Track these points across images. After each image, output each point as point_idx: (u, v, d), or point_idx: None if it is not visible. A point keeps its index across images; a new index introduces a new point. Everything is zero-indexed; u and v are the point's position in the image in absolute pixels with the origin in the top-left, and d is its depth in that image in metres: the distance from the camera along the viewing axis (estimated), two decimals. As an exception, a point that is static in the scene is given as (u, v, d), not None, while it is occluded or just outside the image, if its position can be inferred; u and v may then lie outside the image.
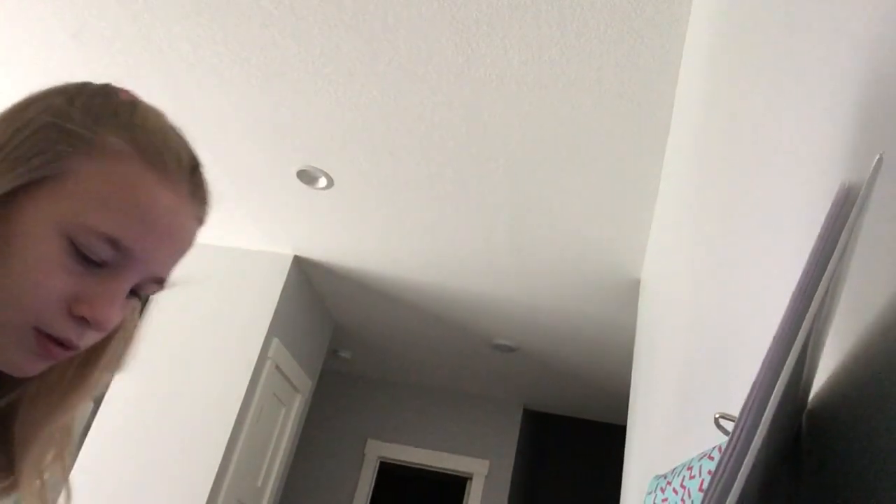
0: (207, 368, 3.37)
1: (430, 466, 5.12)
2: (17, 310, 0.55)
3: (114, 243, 0.57)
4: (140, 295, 0.64)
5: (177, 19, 2.18)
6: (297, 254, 3.63)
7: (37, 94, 0.60)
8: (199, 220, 0.67)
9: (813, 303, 0.38)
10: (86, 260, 0.57)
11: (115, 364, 0.68)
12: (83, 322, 0.57)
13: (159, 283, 0.64)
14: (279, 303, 3.53)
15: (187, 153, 0.65)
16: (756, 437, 0.36)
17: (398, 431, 5.24)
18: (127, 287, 0.60)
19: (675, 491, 0.71)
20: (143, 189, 0.59)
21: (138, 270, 0.60)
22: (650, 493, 0.83)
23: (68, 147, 0.57)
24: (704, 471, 0.64)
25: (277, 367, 3.62)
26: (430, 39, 2.08)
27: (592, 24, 1.91)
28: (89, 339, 0.59)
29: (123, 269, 0.59)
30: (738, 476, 0.36)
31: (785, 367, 0.37)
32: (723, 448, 0.52)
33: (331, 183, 2.91)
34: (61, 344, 0.57)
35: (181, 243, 0.64)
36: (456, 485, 5.50)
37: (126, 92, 0.65)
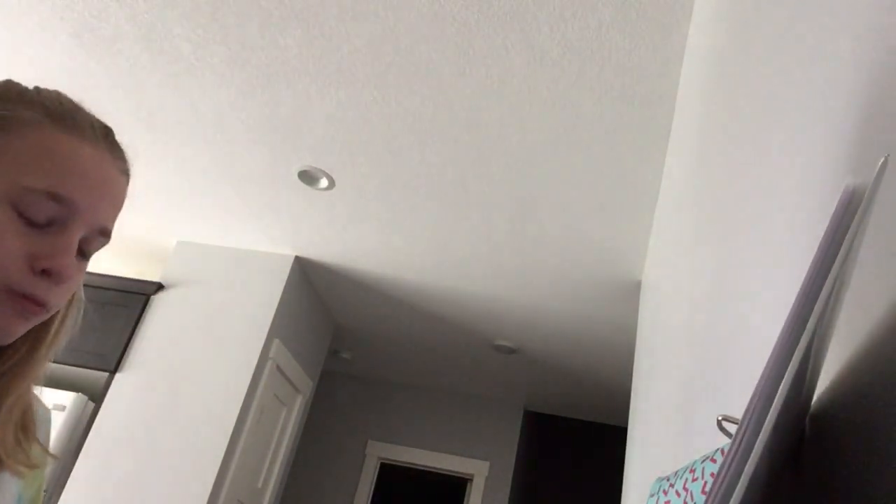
0: (208, 369, 3.37)
1: (431, 467, 5.12)
2: None
3: (55, 197, 0.63)
4: (88, 251, 0.69)
5: (177, 19, 2.18)
6: (299, 254, 3.63)
7: None
8: (125, 174, 0.73)
9: (816, 305, 0.38)
10: (34, 220, 0.63)
11: (66, 326, 0.74)
12: (47, 276, 0.63)
13: (105, 234, 0.70)
14: (280, 303, 3.53)
15: (97, 120, 0.71)
16: (759, 440, 0.36)
17: (399, 432, 5.24)
18: (76, 238, 0.66)
19: (677, 493, 0.71)
20: (63, 146, 0.65)
21: (82, 221, 0.66)
22: (653, 496, 0.83)
23: None
24: (707, 473, 0.63)
25: (278, 368, 3.61)
26: (431, 40, 2.08)
27: (594, 24, 1.91)
28: (55, 296, 0.65)
29: (69, 222, 0.65)
30: (741, 479, 0.36)
31: (788, 371, 0.37)
32: (725, 450, 0.52)
33: (332, 184, 2.91)
34: (35, 302, 0.63)
35: (112, 191, 0.69)
36: (456, 486, 5.50)
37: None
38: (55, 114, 0.67)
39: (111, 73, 2.47)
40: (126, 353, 3.39)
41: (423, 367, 4.99)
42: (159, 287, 3.56)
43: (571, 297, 3.49)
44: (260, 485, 3.64)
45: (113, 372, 3.35)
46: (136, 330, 3.46)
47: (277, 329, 3.55)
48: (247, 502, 3.46)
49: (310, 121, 2.55)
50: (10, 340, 0.65)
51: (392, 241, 3.31)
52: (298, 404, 3.99)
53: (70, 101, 0.70)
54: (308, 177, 2.90)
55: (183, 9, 2.13)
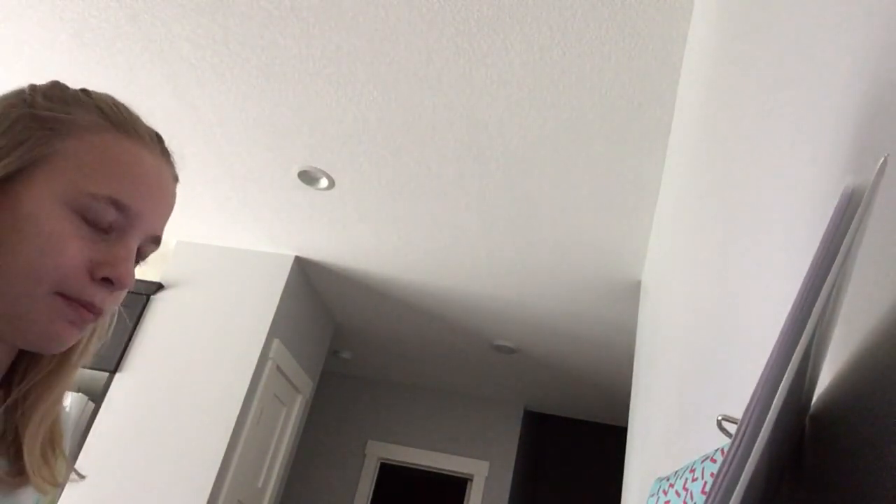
0: (208, 369, 3.37)
1: (431, 467, 5.12)
2: (42, 283, 0.59)
3: (116, 204, 0.62)
4: (141, 257, 0.69)
5: (177, 19, 2.18)
6: (299, 254, 3.63)
7: None
8: (176, 180, 0.73)
9: (816, 305, 0.38)
10: (95, 227, 0.62)
11: (99, 335, 0.72)
12: (106, 284, 0.63)
13: (156, 241, 0.70)
14: (280, 303, 3.53)
15: (150, 127, 0.71)
16: (759, 440, 0.36)
17: (399, 432, 5.24)
18: (135, 246, 0.66)
19: (677, 493, 0.71)
20: (125, 153, 0.65)
21: (140, 229, 0.66)
22: (653, 496, 0.83)
23: (47, 130, 0.62)
24: (707, 473, 0.63)
25: (278, 368, 3.62)
26: (431, 40, 2.08)
27: (594, 25, 1.91)
28: (110, 302, 0.65)
29: (128, 229, 0.64)
30: (741, 479, 0.36)
31: (788, 370, 0.37)
32: (725, 450, 0.52)
33: (332, 183, 2.91)
34: (90, 309, 0.62)
35: (168, 199, 0.69)
36: (456, 486, 5.50)
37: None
38: (115, 118, 0.66)
39: (111, 73, 2.47)
40: (126, 353, 3.39)
41: (423, 367, 4.99)
42: (159, 287, 3.56)
43: (571, 297, 3.49)
44: (260, 485, 3.64)
45: (113, 372, 3.35)
46: (136, 330, 3.46)
47: (277, 329, 3.55)
48: (247, 502, 3.47)
49: (310, 121, 2.55)
50: (64, 349, 0.63)
51: (392, 241, 3.31)
52: (298, 404, 3.99)
53: (125, 106, 0.69)
54: (308, 177, 2.90)
55: (183, 9, 2.13)
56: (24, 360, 0.68)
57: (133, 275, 0.65)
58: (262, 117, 2.58)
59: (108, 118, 0.65)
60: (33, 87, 0.66)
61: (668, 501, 0.74)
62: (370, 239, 3.33)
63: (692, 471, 0.69)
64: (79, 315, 0.61)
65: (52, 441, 0.69)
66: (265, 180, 3.00)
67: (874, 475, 0.38)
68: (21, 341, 0.61)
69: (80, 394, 3.34)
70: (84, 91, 0.68)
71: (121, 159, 0.64)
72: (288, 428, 3.88)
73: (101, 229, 0.62)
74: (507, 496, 4.97)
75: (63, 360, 0.69)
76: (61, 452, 0.70)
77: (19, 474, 0.65)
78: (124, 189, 0.63)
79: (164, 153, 0.70)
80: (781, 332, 0.39)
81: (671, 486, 0.75)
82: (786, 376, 0.36)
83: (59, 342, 0.62)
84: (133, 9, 2.17)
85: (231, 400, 3.29)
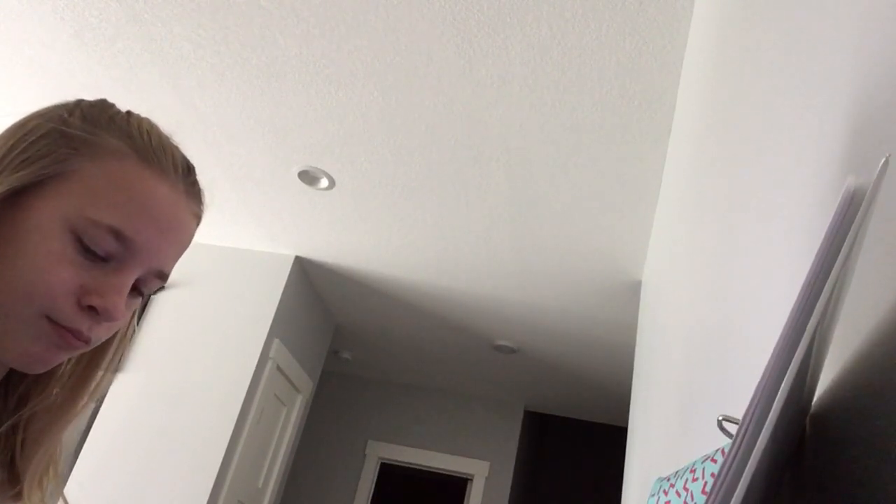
0: (209, 369, 3.37)
1: (431, 467, 5.12)
2: (30, 302, 0.58)
3: (117, 234, 0.60)
4: (143, 291, 0.67)
5: (177, 19, 2.18)
6: (299, 254, 3.63)
7: (36, 111, 0.65)
8: (197, 217, 0.70)
9: (817, 305, 0.38)
10: (92, 253, 0.60)
11: (114, 367, 0.71)
12: (92, 313, 0.60)
13: (161, 277, 0.67)
14: (280, 303, 3.54)
15: (181, 157, 0.69)
16: (759, 440, 0.36)
17: (399, 432, 5.24)
18: (132, 279, 0.63)
19: (678, 493, 0.71)
20: (141, 183, 0.63)
21: (141, 263, 0.63)
22: (653, 496, 0.83)
23: (70, 149, 0.61)
24: (707, 473, 0.63)
25: (278, 368, 3.62)
26: (432, 40, 2.08)
27: (594, 24, 1.91)
28: (98, 332, 0.62)
29: (128, 262, 0.62)
30: (742, 479, 0.36)
31: (789, 371, 0.37)
32: (726, 451, 0.52)
33: (332, 183, 2.91)
34: (75, 335, 0.60)
35: (180, 236, 0.67)
36: (456, 486, 5.50)
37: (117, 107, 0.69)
38: (140, 147, 0.64)
39: (112, 73, 2.47)
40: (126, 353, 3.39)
41: (423, 367, 4.99)
42: (160, 287, 3.56)
43: (571, 297, 3.49)
44: (260, 485, 3.64)
45: (113, 372, 3.34)
46: (137, 330, 3.46)
47: (277, 329, 3.55)
48: (247, 502, 3.46)
49: (310, 121, 2.55)
50: (45, 370, 0.61)
51: (392, 241, 3.31)
52: (298, 404, 3.99)
53: (158, 135, 0.67)
54: (308, 177, 2.90)
55: (183, 9, 2.13)
56: (25, 381, 0.67)
57: (123, 308, 0.62)
58: (262, 117, 2.58)
59: (135, 146, 0.64)
60: (77, 103, 0.66)
61: (669, 501, 0.74)
62: (370, 239, 3.33)
63: (692, 471, 0.69)
64: (64, 340, 0.60)
65: (50, 463, 0.68)
66: (265, 180, 3.00)
67: (874, 475, 0.38)
68: (2, 357, 0.60)
69: (80, 394, 3.34)
70: (127, 114, 0.67)
71: (133, 189, 0.62)
72: (288, 428, 3.88)
73: (98, 257, 0.60)
74: (507, 496, 4.97)
75: (73, 395, 0.68)
76: (55, 474, 0.69)
77: (12, 488, 0.64)
78: (128, 220, 0.61)
79: (189, 189, 0.68)
80: (782, 333, 0.39)
81: (671, 486, 0.75)
82: (787, 376, 0.36)
83: (40, 363, 0.60)
84: (133, 9, 2.17)
85: (231, 400, 3.29)
